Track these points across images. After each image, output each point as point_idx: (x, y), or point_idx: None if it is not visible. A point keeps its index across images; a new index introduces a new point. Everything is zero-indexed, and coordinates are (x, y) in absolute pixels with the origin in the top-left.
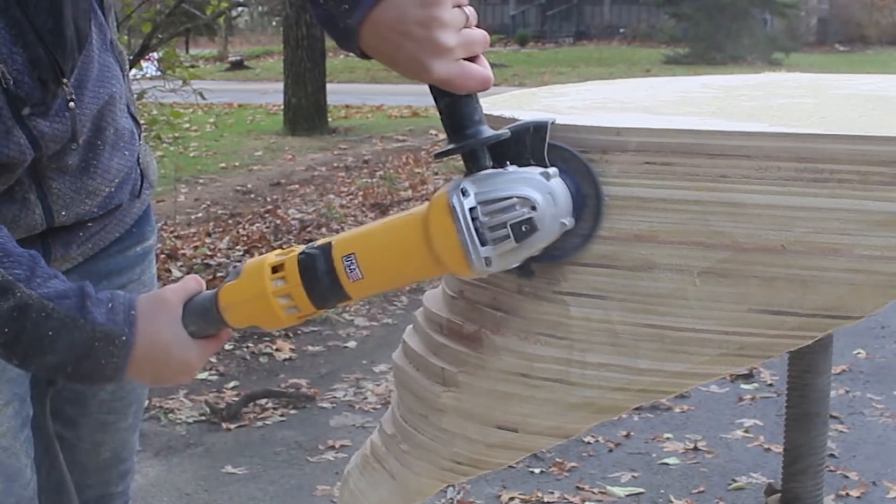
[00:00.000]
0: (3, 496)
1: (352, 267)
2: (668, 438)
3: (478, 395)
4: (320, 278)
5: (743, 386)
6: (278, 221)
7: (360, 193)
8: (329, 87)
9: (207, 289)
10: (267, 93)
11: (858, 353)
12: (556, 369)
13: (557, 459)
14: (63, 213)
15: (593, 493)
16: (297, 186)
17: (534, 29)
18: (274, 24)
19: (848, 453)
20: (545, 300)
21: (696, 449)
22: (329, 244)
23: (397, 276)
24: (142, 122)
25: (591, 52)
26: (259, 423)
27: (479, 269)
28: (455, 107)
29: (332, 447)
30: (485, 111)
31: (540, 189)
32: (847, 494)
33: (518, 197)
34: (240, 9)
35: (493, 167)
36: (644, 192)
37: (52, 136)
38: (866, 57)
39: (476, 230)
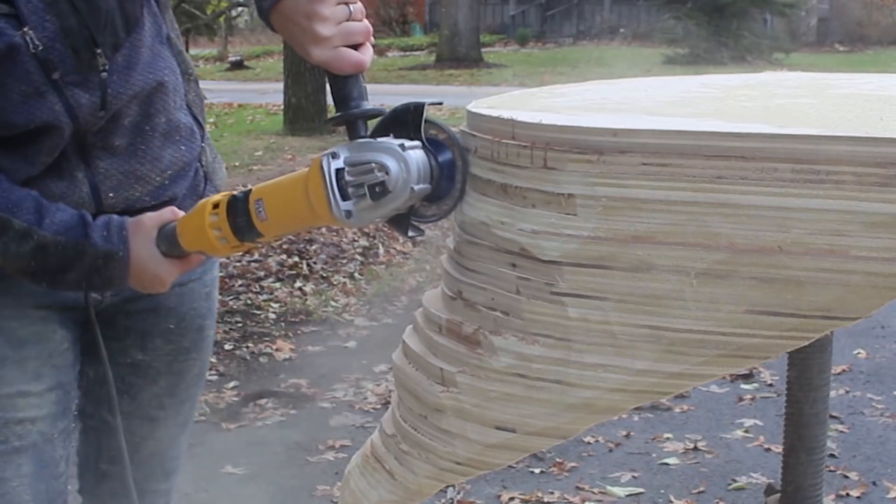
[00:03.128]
0: (34, 480)
1: (260, 210)
2: (668, 438)
3: (476, 395)
4: (239, 217)
5: (743, 386)
6: None
7: None
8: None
9: None
10: (267, 93)
11: (858, 353)
12: (554, 370)
13: (557, 459)
14: (111, 194)
15: (593, 493)
16: None
17: (534, 29)
18: None
19: (848, 453)
20: (543, 301)
21: (696, 449)
22: (249, 191)
23: (291, 222)
24: None
25: (591, 52)
26: (259, 423)
27: (339, 218)
28: (337, 85)
29: (332, 447)
30: (484, 112)
31: (396, 158)
32: (847, 494)
33: (376, 163)
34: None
35: (372, 137)
36: (641, 194)
37: (90, 107)
38: (866, 57)
39: (340, 187)
